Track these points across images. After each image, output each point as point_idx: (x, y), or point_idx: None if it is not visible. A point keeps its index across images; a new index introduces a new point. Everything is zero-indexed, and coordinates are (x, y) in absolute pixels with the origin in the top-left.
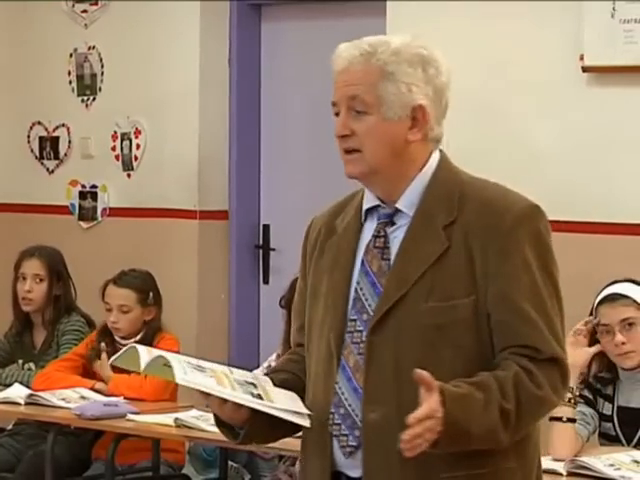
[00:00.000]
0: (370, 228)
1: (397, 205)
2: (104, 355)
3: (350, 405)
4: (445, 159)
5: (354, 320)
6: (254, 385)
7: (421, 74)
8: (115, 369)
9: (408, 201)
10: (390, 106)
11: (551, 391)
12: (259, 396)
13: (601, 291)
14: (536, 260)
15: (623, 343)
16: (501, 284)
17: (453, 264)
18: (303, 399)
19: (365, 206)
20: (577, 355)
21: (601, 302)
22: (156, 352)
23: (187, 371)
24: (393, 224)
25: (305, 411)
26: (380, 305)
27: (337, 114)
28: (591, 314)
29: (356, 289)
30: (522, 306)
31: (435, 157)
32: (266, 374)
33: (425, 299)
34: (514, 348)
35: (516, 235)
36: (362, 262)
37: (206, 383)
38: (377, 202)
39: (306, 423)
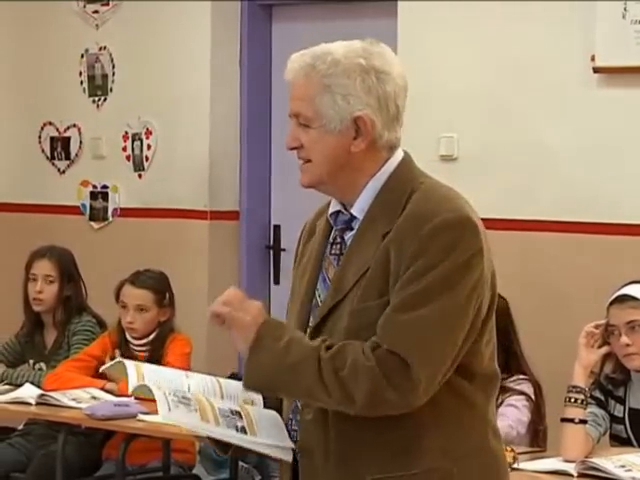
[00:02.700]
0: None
1: (352, 211)
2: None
3: (301, 412)
4: (403, 164)
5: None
6: (239, 415)
7: (360, 84)
8: None
9: (360, 207)
10: (329, 119)
11: (381, 374)
12: (243, 429)
13: (616, 291)
14: (441, 270)
15: (627, 345)
16: (398, 285)
17: (375, 268)
18: None
19: (330, 211)
20: (588, 355)
21: (611, 303)
22: (143, 371)
23: (172, 406)
24: (352, 229)
25: (288, 445)
26: (320, 311)
27: None
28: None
29: (316, 295)
30: (395, 306)
31: (393, 162)
32: None
33: (352, 304)
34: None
35: (428, 243)
36: (322, 269)
37: (190, 421)
38: (339, 207)
39: (288, 458)
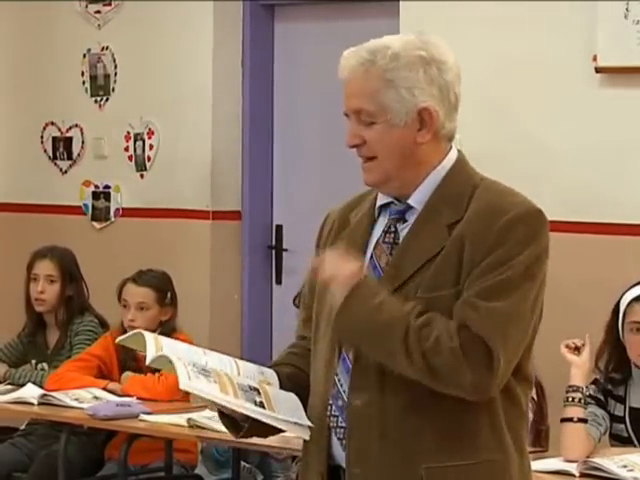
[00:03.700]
0: (382, 223)
1: (409, 201)
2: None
3: (348, 397)
4: (462, 160)
5: None
6: (257, 391)
7: (422, 75)
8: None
9: (419, 198)
10: (395, 113)
11: (463, 355)
12: (261, 404)
13: (629, 289)
14: (522, 261)
15: None
16: (476, 273)
17: (447, 258)
18: (307, 395)
19: (379, 202)
20: (580, 357)
21: (636, 299)
22: (162, 344)
23: (191, 376)
24: (405, 221)
25: (306, 422)
26: None
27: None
28: (614, 311)
29: None
30: (478, 293)
31: (452, 156)
32: (270, 366)
33: (415, 292)
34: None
35: (507, 235)
36: (371, 257)
37: (209, 390)
38: (390, 199)
39: (305, 435)
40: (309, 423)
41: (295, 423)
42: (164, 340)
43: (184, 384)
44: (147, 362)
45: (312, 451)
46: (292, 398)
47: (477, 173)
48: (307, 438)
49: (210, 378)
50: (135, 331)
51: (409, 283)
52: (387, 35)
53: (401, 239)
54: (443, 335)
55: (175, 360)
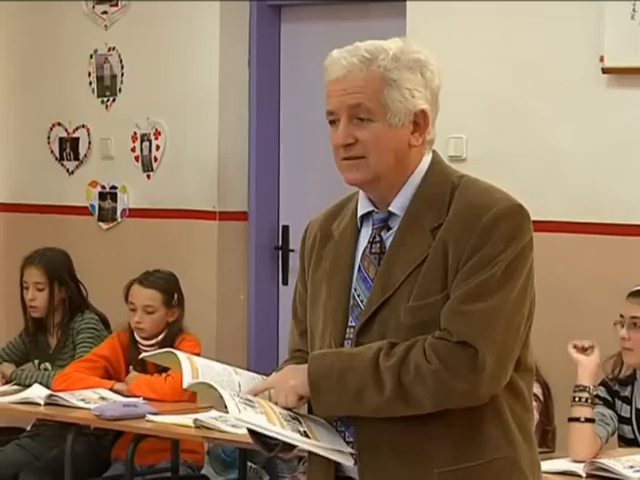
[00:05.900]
0: (366, 233)
1: (390, 208)
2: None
3: None
4: (437, 161)
5: (352, 327)
6: (299, 421)
7: (420, 79)
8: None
9: (400, 203)
10: (395, 113)
11: (446, 371)
12: (305, 433)
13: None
14: (504, 259)
15: (624, 338)
16: (460, 276)
17: (433, 264)
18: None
19: (360, 212)
20: (588, 357)
21: (629, 294)
22: (197, 365)
23: (240, 408)
24: (389, 228)
25: (348, 450)
26: (367, 308)
27: (332, 122)
28: None
29: (354, 296)
30: (461, 297)
31: (427, 159)
32: None
33: (406, 300)
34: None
35: (489, 233)
36: (359, 268)
37: (258, 422)
38: (371, 207)
39: (349, 462)
40: (350, 450)
41: (340, 451)
42: (198, 361)
43: (235, 417)
44: (184, 386)
45: (319, 466)
46: (325, 424)
47: (455, 171)
48: (350, 465)
49: (256, 409)
50: (165, 350)
51: (400, 291)
52: (394, 35)
53: (387, 248)
54: (421, 361)
55: (222, 391)
